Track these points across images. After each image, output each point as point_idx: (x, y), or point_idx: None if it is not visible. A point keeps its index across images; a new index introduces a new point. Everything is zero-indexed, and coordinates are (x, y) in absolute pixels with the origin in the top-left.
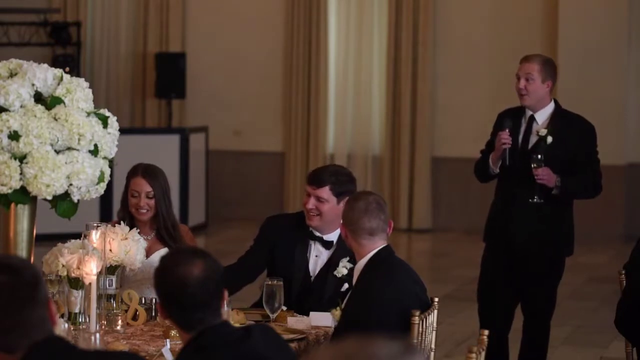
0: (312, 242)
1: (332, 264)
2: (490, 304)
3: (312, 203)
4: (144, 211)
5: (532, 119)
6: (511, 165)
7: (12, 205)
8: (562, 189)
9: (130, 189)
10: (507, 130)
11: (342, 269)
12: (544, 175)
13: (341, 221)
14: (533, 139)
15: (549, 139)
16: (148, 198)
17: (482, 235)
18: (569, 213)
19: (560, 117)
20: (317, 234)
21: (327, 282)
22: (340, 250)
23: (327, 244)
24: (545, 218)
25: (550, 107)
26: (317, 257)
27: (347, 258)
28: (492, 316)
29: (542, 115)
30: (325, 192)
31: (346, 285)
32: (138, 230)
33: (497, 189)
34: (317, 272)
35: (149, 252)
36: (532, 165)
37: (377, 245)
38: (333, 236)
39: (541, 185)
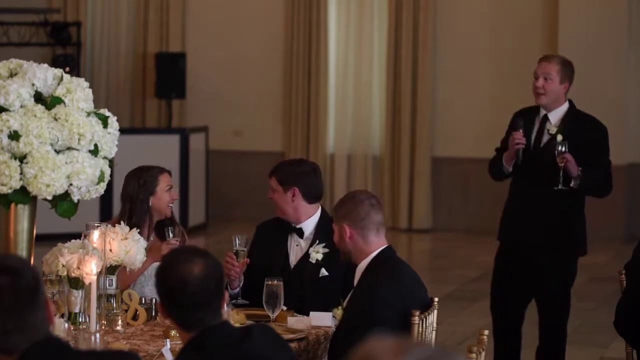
0: (292, 234)
1: (309, 252)
2: (502, 301)
3: (269, 193)
4: (172, 205)
5: (545, 118)
6: (524, 165)
7: (12, 205)
8: (583, 179)
9: (166, 184)
10: (520, 131)
11: (314, 254)
12: (571, 158)
13: (345, 224)
14: (545, 138)
15: (559, 137)
16: None
17: (497, 234)
18: (581, 214)
19: (572, 117)
20: (294, 225)
21: (305, 269)
22: (317, 239)
23: (299, 232)
24: (557, 218)
25: (564, 107)
26: (298, 246)
27: (323, 244)
28: (503, 312)
29: (556, 115)
30: (273, 181)
31: (323, 271)
32: (138, 231)
33: (510, 187)
34: (297, 261)
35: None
36: (556, 152)
37: (381, 244)
38: (305, 225)
39: (565, 173)
